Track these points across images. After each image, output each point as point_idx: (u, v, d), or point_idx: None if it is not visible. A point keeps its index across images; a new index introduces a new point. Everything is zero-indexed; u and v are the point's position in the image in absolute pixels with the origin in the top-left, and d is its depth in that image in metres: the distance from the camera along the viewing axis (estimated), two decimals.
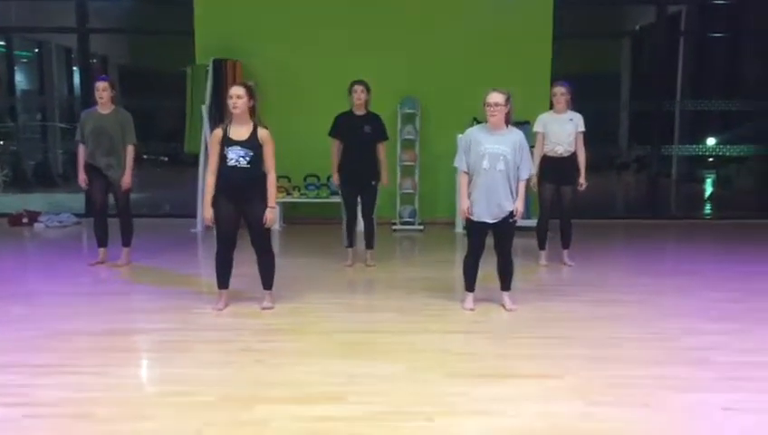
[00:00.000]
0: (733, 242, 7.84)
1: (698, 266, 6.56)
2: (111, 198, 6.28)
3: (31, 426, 3.12)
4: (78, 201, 9.39)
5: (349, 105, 6.18)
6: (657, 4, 9.34)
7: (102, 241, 6.33)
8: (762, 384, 3.64)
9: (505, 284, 5.00)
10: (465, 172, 4.82)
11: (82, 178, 6.19)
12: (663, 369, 3.84)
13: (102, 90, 6.01)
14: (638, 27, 12.41)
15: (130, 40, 13.98)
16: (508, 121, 4.78)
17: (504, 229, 4.84)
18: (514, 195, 4.77)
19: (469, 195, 4.82)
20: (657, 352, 4.13)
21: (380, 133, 6.22)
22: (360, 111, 6.15)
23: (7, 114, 12.97)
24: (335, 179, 6.27)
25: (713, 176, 12.78)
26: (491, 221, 4.77)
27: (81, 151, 6.14)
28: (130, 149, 6.12)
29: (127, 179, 6.13)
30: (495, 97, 4.69)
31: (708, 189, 12.50)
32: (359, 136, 6.09)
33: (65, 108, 13.70)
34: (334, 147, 6.19)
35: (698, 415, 3.29)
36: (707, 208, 11.32)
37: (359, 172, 6.15)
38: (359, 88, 6.09)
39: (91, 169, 6.13)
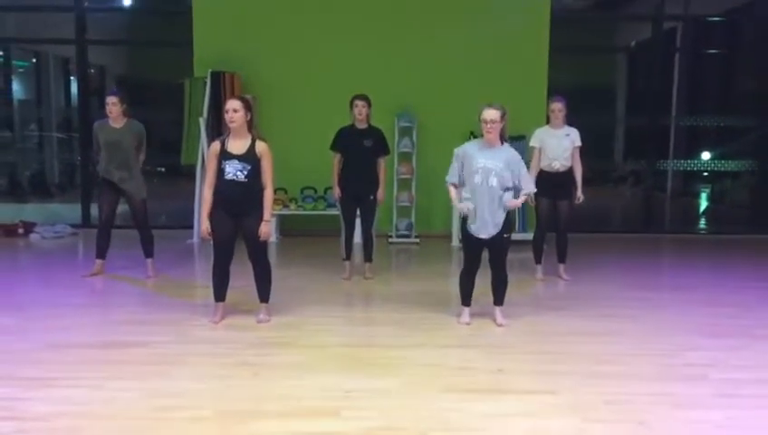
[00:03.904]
0: (728, 257, 7.86)
1: (694, 281, 6.57)
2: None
3: None
4: (74, 212, 9.37)
5: (350, 119, 6.20)
6: (653, 20, 9.39)
7: (102, 253, 6.32)
8: (758, 401, 3.64)
9: (498, 298, 5.00)
10: (453, 184, 4.87)
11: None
12: (659, 385, 3.84)
13: (112, 104, 6.05)
14: (633, 43, 12.49)
15: (129, 51, 14.00)
16: (503, 137, 4.80)
17: (498, 245, 4.84)
18: (498, 216, 4.78)
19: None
20: (653, 368, 4.13)
21: (382, 147, 6.24)
22: (361, 126, 6.17)
23: (4, 124, 12.95)
24: (335, 193, 6.28)
25: (708, 191, 12.82)
26: (485, 237, 4.77)
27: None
28: (141, 160, 6.24)
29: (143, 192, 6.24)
30: (491, 114, 4.71)
31: (703, 204, 12.53)
32: (360, 150, 6.11)
33: (62, 118, 13.70)
34: (335, 160, 6.21)
35: (694, 432, 3.29)
36: (702, 223, 11.35)
37: (358, 186, 6.16)
38: (360, 103, 6.12)
39: (103, 181, 6.16)
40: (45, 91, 13.76)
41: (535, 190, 5.14)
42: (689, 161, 10.98)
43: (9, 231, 8.57)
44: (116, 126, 6.09)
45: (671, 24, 11.00)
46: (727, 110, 11.59)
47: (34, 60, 13.65)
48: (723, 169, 10.66)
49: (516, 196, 4.81)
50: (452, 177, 4.87)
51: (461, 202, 4.81)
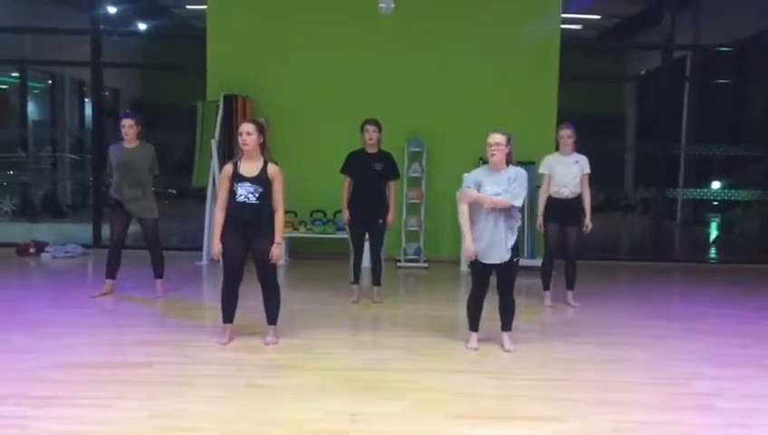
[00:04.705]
0: (738, 286, 7.81)
1: (703, 310, 6.53)
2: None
3: None
4: (85, 232, 9.44)
5: (360, 143, 6.26)
6: (662, 49, 9.46)
7: (112, 273, 6.36)
8: (767, 432, 3.61)
9: (506, 324, 4.99)
10: (468, 190, 4.78)
11: None
12: (667, 414, 3.82)
13: (129, 127, 6.15)
14: (643, 72, 12.57)
15: (143, 75, 14.22)
16: (509, 162, 4.84)
17: (507, 270, 4.85)
18: (512, 236, 4.78)
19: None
20: (662, 396, 4.10)
21: (392, 171, 6.29)
22: (372, 150, 6.23)
23: (18, 145, 13.11)
24: (344, 216, 6.31)
25: (717, 220, 12.79)
26: (494, 262, 4.78)
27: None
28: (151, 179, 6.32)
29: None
30: (496, 137, 4.76)
31: (713, 233, 12.49)
32: (370, 174, 6.15)
33: (76, 139, 13.86)
34: (345, 184, 6.25)
35: None
36: (712, 252, 11.30)
37: (368, 210, 6.20)
38: (371, 127, 6.18)
39: (115, 202, 6.23)
40: (60, 113, 13.96)
41: (513, 205, 4.77)
42: (699, 190, 10.96)
43: (21, 250, 8.64)
44: (129, 147, 6.18)
45: (681, 54, 11.08)
46: (737, 138, 11.61)
47: (50, 81, 13.86)
48: (733, 198, 10.63)
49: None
50: (467, 184, 4.82)
51: (472, 244, 4.77)
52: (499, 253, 4.76)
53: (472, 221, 4.82)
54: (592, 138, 7.57)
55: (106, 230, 8.26)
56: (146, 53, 12.42)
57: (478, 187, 4.77)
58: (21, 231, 9.95)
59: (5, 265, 8.04)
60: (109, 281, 6.37)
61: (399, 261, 8.47)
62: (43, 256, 8.48)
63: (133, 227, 6.47)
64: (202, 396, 3.93)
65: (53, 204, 12.90)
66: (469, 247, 4.78)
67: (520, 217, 4.89)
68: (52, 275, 7.69)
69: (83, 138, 13.57)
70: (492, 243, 4.75)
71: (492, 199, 4.70)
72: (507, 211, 4.75)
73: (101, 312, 5.96)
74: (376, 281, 6.44)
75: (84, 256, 8.68)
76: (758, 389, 4.27)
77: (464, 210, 4.82)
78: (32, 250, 8.60)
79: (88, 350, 4.72)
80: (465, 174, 4.90)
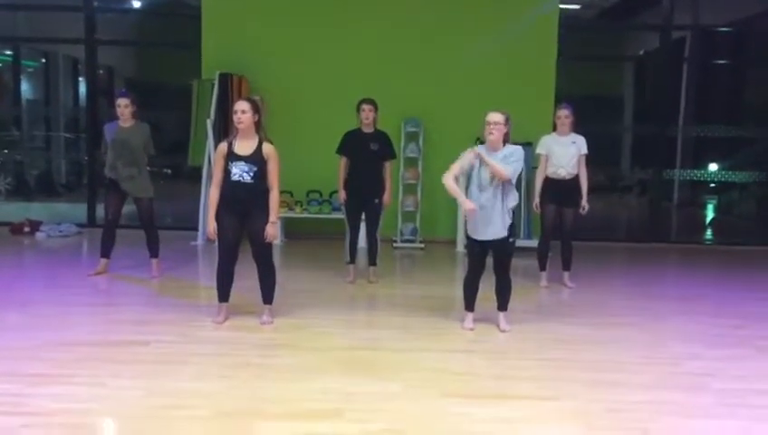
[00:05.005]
0: (734, 268, 7.82)
1: (699, 291, 6.54)
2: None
3: None
4: (80, 211, 9.40)
5: (356, 123, 6.21)
6: (661, 29, 9.39)
7: (107, 252, 6.34)
8: (761, 412, 3.63)
9: (502, 304, 4.99)
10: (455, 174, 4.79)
11: None
12: (662, 394, 3.83)
13: (124, 106, 6.10)
14: (642, 52, 12.49)
15: (137, 53, 14.07)
16: (506, 142, 4.81)
17: (503, 248, 4.84)
18: (508, 215, 4.77)
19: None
20: (657, 376, 4.11)
21: (388, 151, 6.25)
22: (368, 129, 6.18)
23: (12, 123, 13.02)
24: (341, 196, 6.29)
25: (714, 201, 12.79)
26: (488, 239, 4.77)
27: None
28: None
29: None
30: (495, 116, 4.73)
31: (710, 215, 12.49)
32: (366, 154, 6.12)
33: (70, 118, 13.76)
34: (341, 164, 6.22)
35: None
36: (709, 234, 11.32)
37: (364, 190, 6.17)
38: (367, 107, 6.13)
39: (110, 181, 6.19)
40: (54, 92, 13.84)
41: (505, 173, 4.69)
42: (696, 171, 10.94)
43: (15, 229, 8.61)
44: (124, 126, 6.13)
45: (680, 34, 10.99)
46: (735, 120, 11.57)
47: (44, 60, 13.74)
48: (730, 179, 10.61)
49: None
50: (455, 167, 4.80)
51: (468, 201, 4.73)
52: (494, 229, 4.74)
53: (469, 198, 4.79)
54: (590, 118, 7.53)
55: (100, 209, 8.23)
56: (140, 31, 12.28)
57: (476, 165, 4.74)
58: (15, 210, 9.90)
59: (0, 245, 8.01)
60: (103, 260, 6.35)
61: (396, 241, 8.46)
62: (38, 235, 8.45)
63: (128, 207, 6.44)
64: (198, 374, 3.93)
65: (48, 183, 12.84)
66: (466, 204, 4.72)
67: (517, 196, 4.87)
68: (46, 255, 7.66)
69: (78, 116, 13.47)
70: (488, 219, 4.73)
71: (494, 164, 4.65)
72: (504, 187, 4.72)
73: (96, 291, 5.94)
74: (372, 261, 6.43)
75: (79, 235, 8.65)
76: (752, 369, 4.29)
77: (449, 176, 4.77)
78: (26, 229, 8.57)
79: (83, 328, 4.71)
80: (469, 149, 4.86)
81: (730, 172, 10.41)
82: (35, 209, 10.10)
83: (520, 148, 4.83)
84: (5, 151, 12.36)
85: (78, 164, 12.96)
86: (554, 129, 6.34)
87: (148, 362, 4.10)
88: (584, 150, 6.20)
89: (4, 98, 13.21)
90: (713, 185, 12.36)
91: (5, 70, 13.33)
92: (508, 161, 4.69)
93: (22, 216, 8.97)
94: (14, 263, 7.27)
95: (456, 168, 4.80)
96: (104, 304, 5.57)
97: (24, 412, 3.33)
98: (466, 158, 4.78)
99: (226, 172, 4.70)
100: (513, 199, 4.80)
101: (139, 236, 6.47)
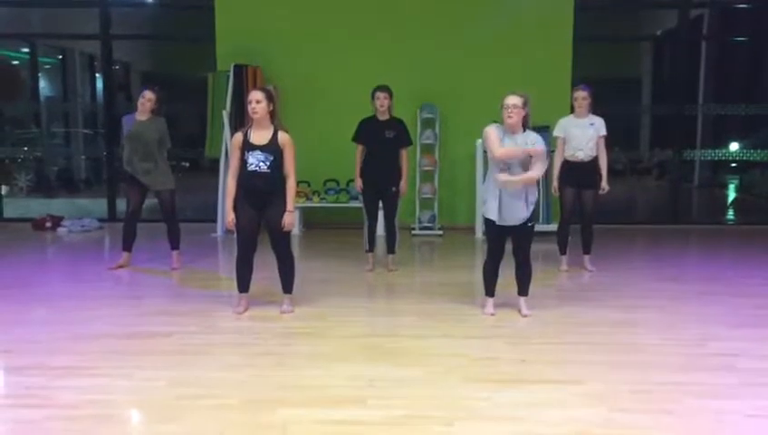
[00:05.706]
0: (756, 248, 7.72)
1: (721, 272, 6.47)
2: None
3: (53, 428, 3.15)
4: (100, 206, 9.49)
5: (371, 111, 6.19)
6: (679, 8, 9.25)
7: (128, 245, 6.39)
8: None
9: (523, 289, 4.96)
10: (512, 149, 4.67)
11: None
12: (686, 375, 3.80)
13: (147, 99, 6.14)
14: (659, 31, 12.31)
15: (153, 48, 14.13)
16: (525, 125, 4.76)
17: (523, 233, 4.81)
18: (530, 198, 4.73)
19: (485, 201, 4.81)
20: (680, 358, 4.08)
21: (404, 138, 6.23)
22: (383, 117, 6.16)
23: (31, 120, 13.15)
24: (357, 184, 6.28)
25: (736, 181, 12.62)
26: (511, 224, 4.74)
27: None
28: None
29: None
30: (513, 99, 4.67)
31: (731, 195, 12.34)
32: (382, 141, 6.10)
33: (88, 114, 13.87)
34: (358, 152, 6.21)
35: (722, 422, 3.24)
36: (730, 214, 11.17)
37: (380, 177, 6.15)
38: (381, 94, 6.10)
39: (129, 175, 6.23)
40: (71, 88, 13.97)
41: (539, 175, 4.75)
42: (717, 151, 10.78)
43: (37, 225, 8.71)
44: (141, 119, 6.16)
45: (697, 12, 10.83)
46: (755, 98, 11.38)
47: (60, 57, 13.84)
48: (751, 158, 10.45)
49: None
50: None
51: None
52: (516, 214, 4.70)
53: (487, 183, 4.76)
54: (608, 99, 7.44)
55: (121, 204, 8.30)
56: (155, 25, 12.33)
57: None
58: (37, 206, 10.04)
59: (22, 240, 8.11)
60: (125, 253, 6.40)
61: (414, 229, 8.45)
62: (60, 230, 8.55)
63: (148, 201, 6.48)
64: (220, 364, 3.96)
65: (68, 179, 12.99)
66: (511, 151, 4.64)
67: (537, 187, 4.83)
68: (68, 249, 7.75)
69: (96, 112, 13.58)
70: (510, 204, 4.69)
71: (521, 179, 4.62)
72: (528, 168, 4.67)
73: (118, 284, 6.00)
74: (390, 249, 6.42)
75: (100, 230, 8.73)
76: None
77: (497, 147, 4.65)
78: (48, 225, 8.67)
79: (106, 321, 4.75)
80: (487, 127, 4.80)
81: (751, 151, 10.25)
82: (56, 205, 10.23)
83: (538, 136, 4.76)
84: (25, 148, 12.50)
85: (97, 160, 13.08)
86: (572, 111, 6.28)
87: (171, 353, 4.14)
88: (603, 132, 6.13)
89: (22, 95, 13.34)
90: (734, 164, 12.20)
91: (23, 68, 13.45)
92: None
93: (43, 211, 9.08)
94: (38, 258, 7.36)
95: (495, 140, 4.67)
96: (126, 296, 5.62)
97: (50, 404, 3.37)
98: (493, 133, 4.71)
99: (243, 162, 4.71)
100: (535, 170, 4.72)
101: (159, 229, 6.52)
